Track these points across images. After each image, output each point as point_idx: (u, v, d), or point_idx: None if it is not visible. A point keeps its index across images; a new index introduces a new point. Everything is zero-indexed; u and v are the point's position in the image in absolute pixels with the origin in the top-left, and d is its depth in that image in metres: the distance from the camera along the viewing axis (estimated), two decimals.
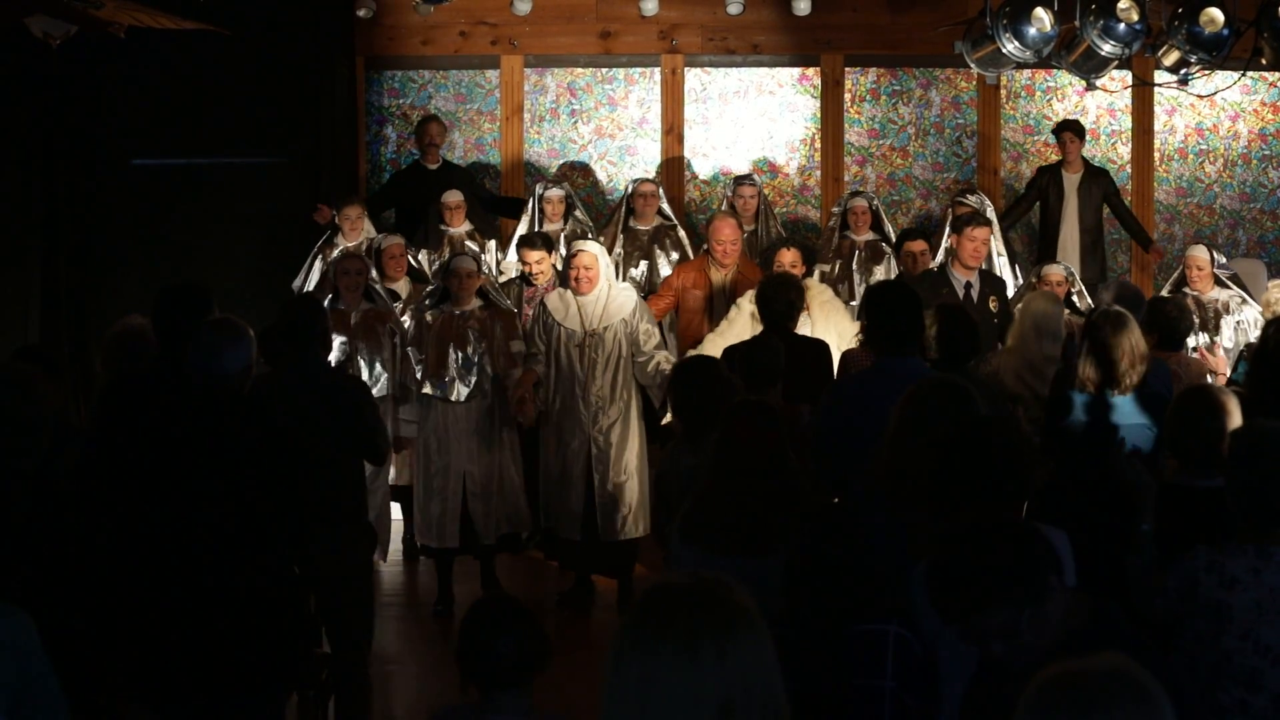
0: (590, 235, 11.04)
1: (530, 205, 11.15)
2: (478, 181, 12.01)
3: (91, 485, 5.44)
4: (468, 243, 10.83)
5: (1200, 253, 9.83)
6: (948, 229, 10.62)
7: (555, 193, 11.06)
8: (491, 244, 11.35)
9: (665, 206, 11.22)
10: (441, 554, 8.71)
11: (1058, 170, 11.76)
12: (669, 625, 2.40)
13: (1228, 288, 9.71)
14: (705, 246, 9.75)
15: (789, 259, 8.95)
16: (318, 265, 10.53)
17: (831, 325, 8.77)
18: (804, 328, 8.55)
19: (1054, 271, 9.19)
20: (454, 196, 11.07)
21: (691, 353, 8.50)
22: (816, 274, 9.96)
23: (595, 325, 8.64)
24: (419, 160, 11.73)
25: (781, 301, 7.76)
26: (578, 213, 11.21)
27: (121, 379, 6.27)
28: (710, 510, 4.96)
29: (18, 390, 4.70)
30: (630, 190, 11.17)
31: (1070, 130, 11.74)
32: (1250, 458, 4.22)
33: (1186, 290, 9.71)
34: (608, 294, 8.72)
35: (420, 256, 10.61)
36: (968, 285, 9.06)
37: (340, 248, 10.58)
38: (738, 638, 2.41)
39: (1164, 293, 9.89)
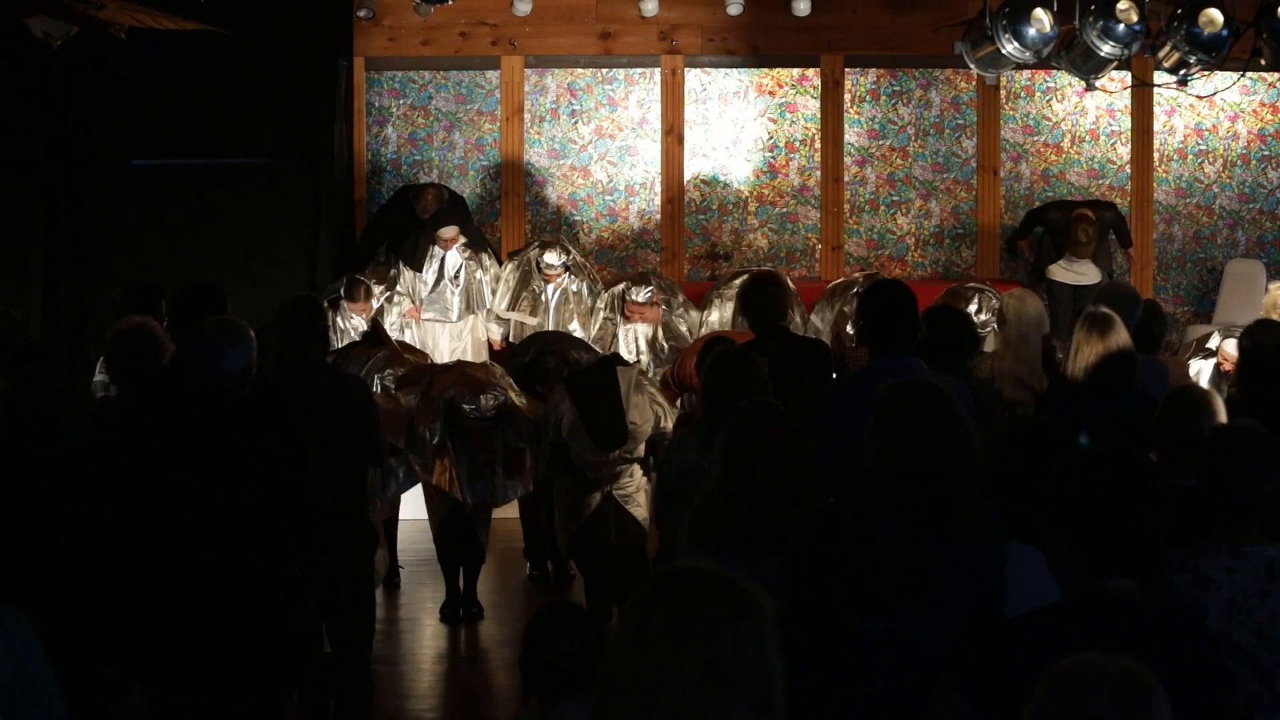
0: (592, 287, 11.11)
1: (528, 262, 11.24)
2: (471, 223, 11.95)
3: (97, 480, 5.45)
4: (468, 258, 10.91)
5: (1230, 349, 8.69)
6: None
7: (553, 262, 11.09)
8: (485, 258, 11.37)
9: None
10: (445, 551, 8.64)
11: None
12: (667, 599, 2.44)
13: None
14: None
15: None
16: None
17: None
18: None
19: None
20: (450, 231, 11.18)
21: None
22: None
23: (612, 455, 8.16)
24: (412, 205, 11.61)
25: (783, 301, 7.74)
26: (576, 264, 11.26)
27: (144, 379, 6.27)
28: (719, 512, 4.97)
29: (57, 392, 4.72)
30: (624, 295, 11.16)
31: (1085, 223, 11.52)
32: (1223, 457, 4.23)
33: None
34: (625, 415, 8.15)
35: (406, 273, 10.73)
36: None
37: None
38: (735, 614, 2.44)
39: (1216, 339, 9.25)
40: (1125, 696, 2.51)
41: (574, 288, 11.26)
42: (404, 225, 11.55)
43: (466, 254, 11.25)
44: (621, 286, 11.10)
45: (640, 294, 10.95)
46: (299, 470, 5.34)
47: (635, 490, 8.46)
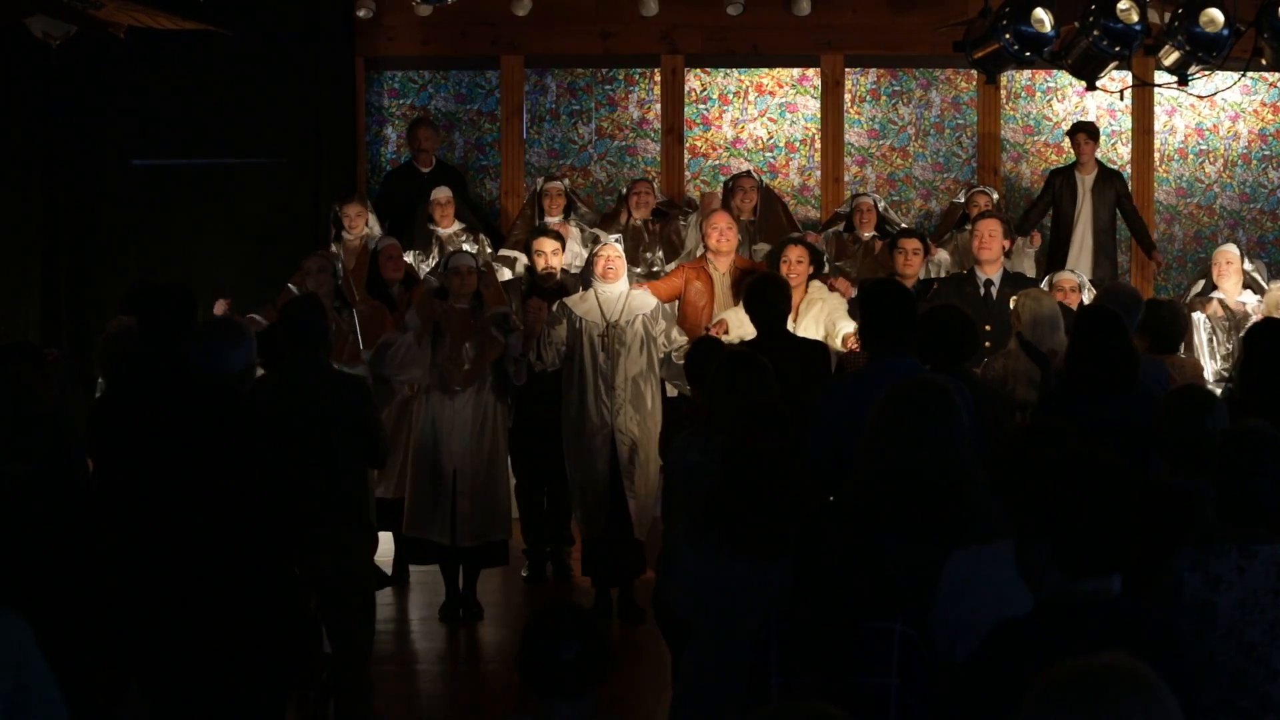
0: (592, 228, 11.12)
1: (530, 199, 11.29)
2: (469, 188, 12.01)
3: (97, 485, 5.45)
4: (465, 245, 10.83)
5: (1230, 249, 9.79)
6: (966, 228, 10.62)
7: (555, 185, 11.18)
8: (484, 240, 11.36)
9: (658, 199, 11.30)
10: (430, 550, 8.63)
11: (1071, 172, 11.74)
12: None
13: (1257, 291, 9.61)
14: (701, 250, 9.71)
15: (795, 255, 8.91)
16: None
17: (827, 324, 8.75)
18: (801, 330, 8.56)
19: (1066, 277, 9.17)
20: (443, 193, 11.12)
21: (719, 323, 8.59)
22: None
23: (616, 317, 8.65)
24: (412, 162, 11.77)
25: (784, 304, 7.75)
26: (579, 206, 11.28)
27: (118, 381, 6.29)
28: (717, 512, 4.97)
29: (12, 389, 4.69)
30: (626, 190, 11.27)
31: (1084, 132, 11.71)
32: (1234, 456, 4.23)
33: (1215, 295, 9.61)
34: (628, 290, 8.79)
35: (409, 257, 10.64)
36: (987, 283, 9.07)
37: (342, 246, 10.66)
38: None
39: (1193, 294, 9.90)
40: (1139, 693, 2.51)
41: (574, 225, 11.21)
42: (407, 189, 11.54)
43: (463, 238, 11.17)
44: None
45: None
46: (293, 470, 5.34)
47: (636, 430, 8.48)
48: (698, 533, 4.99)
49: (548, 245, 9.35)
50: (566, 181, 11.48)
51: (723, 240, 9.34)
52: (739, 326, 8.49)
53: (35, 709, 3.50)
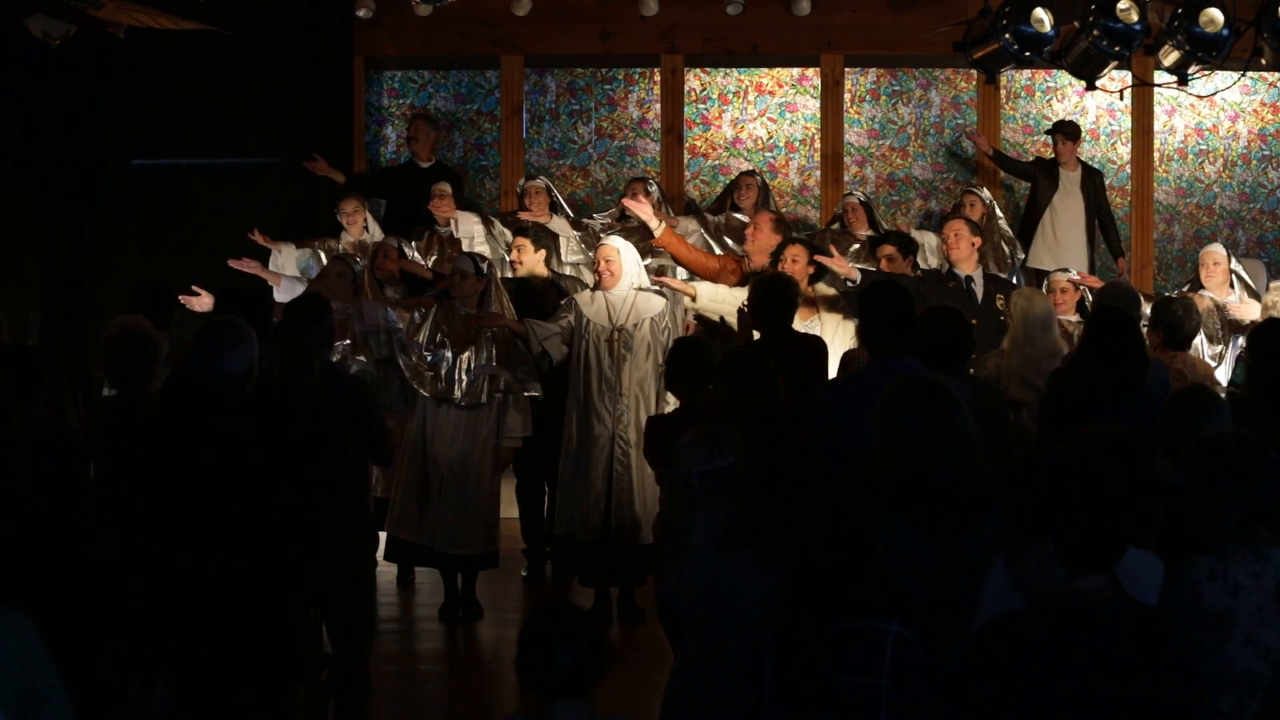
0: (582, 227, 11.09)
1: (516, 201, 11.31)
2: (469, 188, 12.03)
3: (98, 485, 5.44)
4: (475, 243, 10.81)
5: (1216, 249, 9.80)
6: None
7: (534, 184, 11.09)
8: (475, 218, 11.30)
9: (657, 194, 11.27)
10: (409, 551, 8.62)
11: (1054, 167, 11.74)
12: None
13: (1246, 293, 9.63)
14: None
15: (792, 254, 8.92)
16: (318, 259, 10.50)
17: (839, 326, 8.77)
18: (814, 329, 8.57)
19: (1061, 278, 9.17)
20: (444, 187, 11.06)
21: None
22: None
23: (623, 321, 8.61)
24: (413, 159, 11.78)
25: (787, 303, 7.75)
26: (563, 206, 11.22)
27: (123, 382, 6.26)
28: (735, 516, 4.97)
29: None
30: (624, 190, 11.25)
31: (1061, 132, 11.70)
32: (1217, 463, 4.21)
33: (1205, 291, 9.62)
34: (635, 292, 8.68)
35: (409, 248, 10.64)
36: (968, 280, 9.09)
37: (341, 244, 10.65)
38: None
39: (1182, 291, 9.89)
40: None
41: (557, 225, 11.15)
42: (407, 185, 11.54)
43: (475, 232, 11.12)
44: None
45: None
46: (298, 471, 5.34)
47: (636, 443, 8.40)
48: (700, 533, 4.99)
49: (517, 241, 9.40)
50: (543, 179, 11.41)
51: (747, 242, 9.39)
52: (711, 299, 8.56)
53: (44, 708, 3.51)
